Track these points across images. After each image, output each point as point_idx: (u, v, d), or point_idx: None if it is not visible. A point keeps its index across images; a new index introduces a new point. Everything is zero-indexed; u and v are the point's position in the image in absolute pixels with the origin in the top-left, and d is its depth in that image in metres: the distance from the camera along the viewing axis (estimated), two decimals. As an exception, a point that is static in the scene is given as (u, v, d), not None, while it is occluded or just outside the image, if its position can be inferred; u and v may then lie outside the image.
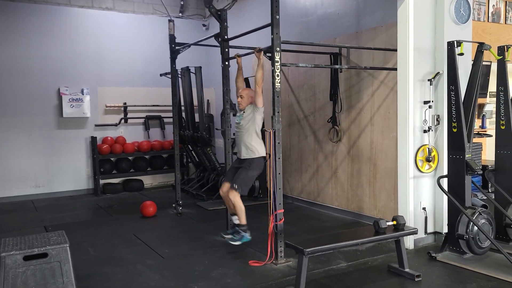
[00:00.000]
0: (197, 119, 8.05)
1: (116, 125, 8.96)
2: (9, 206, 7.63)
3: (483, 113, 6.06)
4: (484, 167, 5.42)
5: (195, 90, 7.94)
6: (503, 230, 4.78)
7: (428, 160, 4.85)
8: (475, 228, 4.26)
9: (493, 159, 5.08)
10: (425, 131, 4.84)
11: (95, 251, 5.04)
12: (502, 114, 4.87)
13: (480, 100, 5.59)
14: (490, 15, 5.91)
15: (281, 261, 4.41)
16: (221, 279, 4.09)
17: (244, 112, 4.84)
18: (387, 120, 5.60)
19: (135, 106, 9.07)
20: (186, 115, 8.22)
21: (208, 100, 9.73)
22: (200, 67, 7.81)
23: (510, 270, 3.98)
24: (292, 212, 6.60)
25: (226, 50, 5.28)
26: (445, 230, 4.77)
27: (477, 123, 5.92)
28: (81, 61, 8.55)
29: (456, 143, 4.47)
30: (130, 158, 9.04)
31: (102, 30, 8.74)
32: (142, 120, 9.24)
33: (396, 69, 4.99)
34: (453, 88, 4.45)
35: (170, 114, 7.75)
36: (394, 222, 4.06)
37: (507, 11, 6.08)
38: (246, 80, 6.85)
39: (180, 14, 9.51)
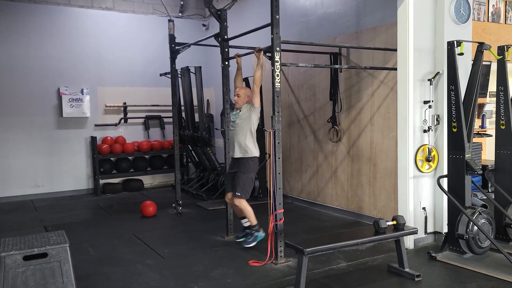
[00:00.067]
0: (197, 119, 8.05)
1: (116, 125, 8.96)
2: (9, 206, 7.62)
3: (483, 113, 6.06)
4: (484, 167, 5.42)
5: (195, 90, 7.94)
6: (503, 230, 4.78)
7: (428, 160, 4.85)
8: (475, 228, 4.26)
9: (493, 159, 5.08)
10: (425, 131, 4.84)
11: (95, 251, 5.04)
12: (502, 114, 4.87)
13: (480, 100, 5.58)
14: (490, 15, 5.91)
15: (281, 261, 4.41)
16: (221, 279, 4.09)
17: (240, 111, 4.83)
18: (387, 120, 5.60)
19: (135, 106, 9.07)
20: (186, 115, 8.22)
21: (208, 100, 9.73)
22: (200, 67, 7.81)
23: (510, 270, 3.98)
24: (292, 212, 6.60)
25: (226, 50, 5.28)
26: (445, 230, 4.77)
27: (477, 123, 5.92)
28: (81, 61, 8.55)
29: (456, 143, 4.47)
30: (130, 158, 9.03)
31: (102, 30, 8.73)
32: (142, 120, 9.24)
33: (396, 69, 4.99)
34: (453, 88, 4.45)
35: (170, 114, 7.75)
36: (394, 222, 4.06)
37: (507, 11, 6.08)
38: (246, 80, 6.85)
39: (180, 14, 9.51)
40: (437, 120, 4.88)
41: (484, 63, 4.81)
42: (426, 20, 4.82)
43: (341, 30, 6.25)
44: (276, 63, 4.32)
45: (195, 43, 6.57)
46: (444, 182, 4.61)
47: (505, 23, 6.08)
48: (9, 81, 7.98)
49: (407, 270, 4.05)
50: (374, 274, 4.14)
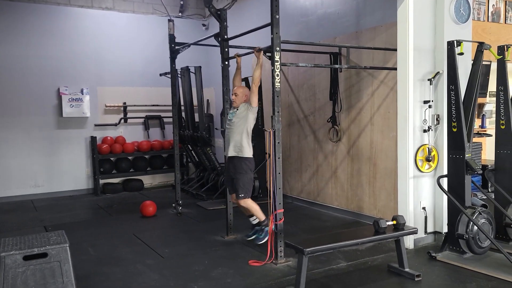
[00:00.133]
0: (197, 119, 8.04)
1: (116, 125, 8.96)
2: (8, 206, 7.62)
3: (483, 113, 6.06)
4: (484, 167, 5.42)
5: (194, 90, 7.94)
6: (503, 230, 4.78)
7: (428, 159, 4.85)
8: (475, 227, 4.26)
9: (493, 158, 5.08)
10: (425, 131, 4.84)
11: (95, 251, 5.04)
12: (502, 114, 4.87)
13: (480, 100, 5.59)
14: (490, 14, 5.91)
15: (281, 261, 4.41)
16: (221, 279, 4.09)
17: (237, 109, 4.83)
18: (387, 119, 5.60)
19: (134, 106, 9.07)
20: (185, 115, 8.22)
21: (208, 100, 9.73)
22: (200, 67, 7.81)
23: (510, 269, 3.98)
24: (292, 211, 6.60)
25: (226, 49, 5.28)
26: (445, 229, 4.77)
27: (477, 122, 5.92)
28: (80, 61, 8.55)
29: (456, 142, 4.47)
30: (130, 158, 9.03)
31: (102, 30, 8.73)
32: (141, 120, 9.23)
33: (396, 69, 4.99)
34: (453, 88, 4.45)
35: (170, 114, 7.75)
36: (394, 222, 4.06)
37: (507, 10, 6.08)
38: (246, 80, 6.85)
39: (180, 14, 9.51)
40: (437, 120, 4.88)
41: (484, 62, 4.81)
42: (426, 20, 4.82)
43: (341, 30, 6.25)
44: (276, 63, 4.32)
45: (195, 43, 6.57)
46: (444, 182, 4.61)
47: (505, 23, 6.08)
48: (9, 81, 7.98)
49: (407, 270, 4.05)
50: (374, 274, 4.14)
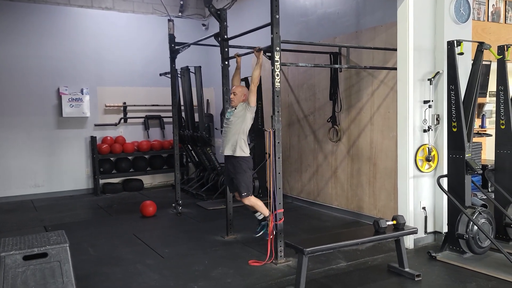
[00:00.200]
0: (196, 119, 8.04)
1: (115, 124, 8.96)
2: (8, 205, 7.62)
3: (483, 113, 6.06)
4: (484, 167, 5.42)
5: (194, 89, 7.94)
6: (503, 230, 4.78)
7: (428, 159, 4.85)
8: (475, 227, 4.25)
9: (493, 158, 5.08)
10: (425, 131, 4.84)
11: (95, 251, 5.03)
12: (502, 114, 4.87)
13: (480, 100, 5.59)
14: (490, 14, 5.91)
15: (281, 261, 4.41)
16: (221, 278, 4.09)
17: (235, 109, 4.83)
18: (387, 119, 5.60)
19: (134, 106, 9.07)
20: (185, 115, 8.22)
21: (207, 100, 9.73)
22: (200, 66, 7.81)
23: (510, 269, 3.98)
24: (292, 211, 6.60)
25: (226, 49, 5.28)
26: (445, 229, 4.77)
27: (477, 122, 5.92)
28: (80, 60, 8.54)
29: (456, 142, 4.47)
30: (129, 158, 9.03)
31: (102, 30, 8.73)
32: (141, 120, 9.23)
33: (396, 69, 4.99)
34: (453, 88, 4.45)
35: (170, 114, 7.75)
36: (394, 222, 4.06)
37: (506, 10, 6.08)
38: (246, 80, 6.85)
39: (180, 14, 9.51)
40: (437, 119, 4.88)
41: (484, 62, 4.81)
42: (426, 19, 4.82)
43: (341, 30, 6.24)
44: (276, 63, 4.32)
45: (195, 43, 6.57)
46: (444, 182, 4.61)
47: (505, 22, 6.08)
48: (9, 81, 7.98)
49: (407, 270, 4.05)
50: (374, 274, 4.14)
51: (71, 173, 8.56)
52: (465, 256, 4.40)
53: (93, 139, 8.53)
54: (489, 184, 5.50)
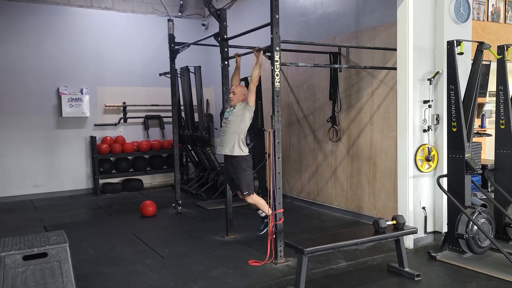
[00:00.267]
0: (196, 119, 8.04)
1: (115, 124, 8.95)
2: (8, 205, 7.62)
3: (483, 113, 6.07)
4: (484, 167, 5.42)
5: (194, 89, 7.93)
6: (503, 230, 4.78)
7: (427, 159, 4.85)
8: (475, 227, 4.26)
9: (493, 158, 5.08)
10: (424, 131, 4.84)
11: (95, 251, 5.03)
12: (502, 114, 4.87)
13: (479, 100, 5.59)
14: (489, 14, 5.91)
15: (281, 261, 4.41)
16: (220, 278, 4.09)
17: (234, 108, 4.83)
18: (387, 119, 5.60)
19: (134, 105, 9.07)
20: (185, 115, 8.22)
21: (207, 100, 9.73)
22: (200, 66, 7.81)
23: (510, 269, 3.98)
24: (291, 211, 6.60)
25: (226, 49, 5.28)
26: (444, 229, 4.77)
27: (477, 122, 5.93)
28: (80, 60, 8.54)
29: (456, 142, 4.47)
30: (129, 157, 9.03)
31: (101, 30, 8.73)
32: (141, 120, 9.23)
33: (395, 69, 4.98)
34: (452, 88, 4.45)
35: (170, 114, 7.74)
36: (394, 222, 4.06)
37: (506, 10, 6.08)
38: (246, 80, 6.85)
39: (180, 14, 9.50)
40: (436, 119, 4.88)
41: (483, 62, 4.81)
42: (425, 19, 4.82)
43: (341, 30, 6.24)
44: (275, 63, 4.32)
45: (195, 43, 6.57)
46: (444, 182, 4.61)
47: (505, 22, 6.08)
48: (9, 81, 7.98)
49: (407, 269, 4.05)
50: (374, 274, 4.14)
51: (71, 173, 8.56)
52: (465, 256, 4.40)
53: (92, 139, 8.53)
54: (489, 184, 5.50)
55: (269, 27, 4.38)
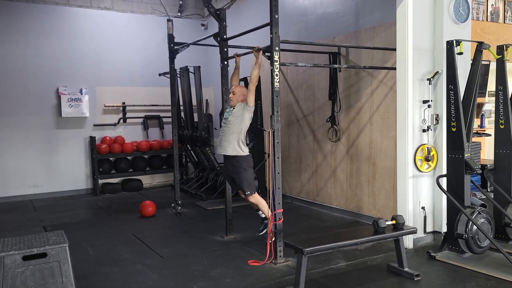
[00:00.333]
0: (196, 119, 8.04)
1: (115, 125, 8.95)
2: (7, 206, 7.61)
3: (482, 112, 6.07)
4: (483, 166, 5.42)
5: (194, 89, 7.93)
6: (502, 229, 4.78)
7: (427, 159, 4.85)
8: (474, 227, 4.26)
9: (492, 158, 5.08)
10: (424, 131, 4.84)
11: (94, 251, 5.03)
12: (501, 113, 4.87)
13: (479, 100, 5.59)
14: (489, 14, 5.92)
15: (280, 261, 4.41)
16: (220, 278, 4.09)
17: (234, 108, 4.83)
18: (386, 119, 5.60)
19: (134, 106, 9.06)
20: (185, 115, 8.22)
21: (207, 100, 9.73)
22: (199, 66, 7.81)
23: (510, 269, 3.98)
24: (291, 211, 6.60)
25: (225, 49, 5.27)
26: (444, 229, 4.77)
27: (476, 122, 5.93)
28: (79, 60, 8.54)
29: (455, 142, 4.47)
30: (129, 158, 9.03)
31: (101, 30, 8.73)
32: (141, 120, 9.23)
33: (395, 69, 4.98)
34: (452, 88, 4.45)
35: (169, 114, 7.74)
36: (393, 222, 4.06)
37: (505, 10, 6.09)
38: (245, 80, 6.85)
39: (179, 14, 9.50)
40: (436, 119, 4.88)
41: (483, 62, 4.81)
42: (425, 19, 4.82)
43: (340, 30, 6.25)
44: (275, 63, 4.32)
45: (194, 43, 6.57)
46: (443, 182, 4.61)
47: (504, 22, 6.09)
48: (8, 81, 7.97)
49: (406, 269, 4.05)
50: (374, 274, 4.14)
51: (70, 173, 8.56)
52: (465, 255, 4.40)
53: (92, 139, 8.52)
54: (488, 184, 5.51)
55: (268, 27, 4.38)
